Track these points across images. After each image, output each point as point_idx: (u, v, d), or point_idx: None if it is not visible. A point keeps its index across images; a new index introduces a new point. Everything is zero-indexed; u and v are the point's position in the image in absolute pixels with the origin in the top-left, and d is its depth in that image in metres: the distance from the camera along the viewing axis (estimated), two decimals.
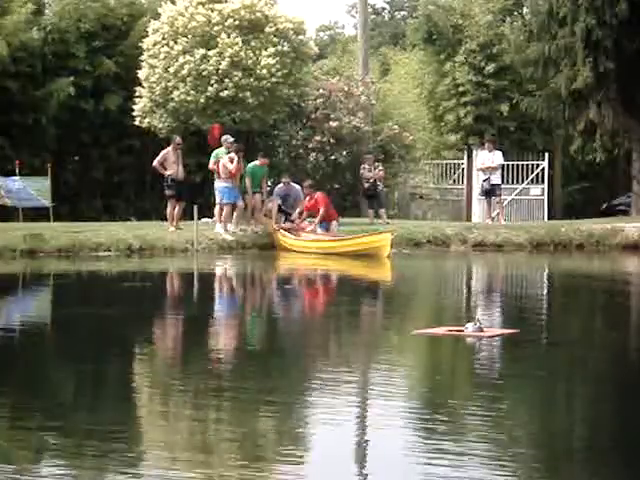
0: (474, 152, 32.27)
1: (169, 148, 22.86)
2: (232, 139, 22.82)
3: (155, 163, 22.89)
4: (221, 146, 22.87)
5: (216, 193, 22.65)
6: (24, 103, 28.96)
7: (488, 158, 26.04)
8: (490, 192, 26.13)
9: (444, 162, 34.13)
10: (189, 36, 26.70)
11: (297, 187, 23.27)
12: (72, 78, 28.95)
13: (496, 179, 26.14)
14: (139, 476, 5.74)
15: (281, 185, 23.33)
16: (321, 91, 28.82)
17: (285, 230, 22.29)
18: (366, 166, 25.87)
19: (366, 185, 25.79)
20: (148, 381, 8.70)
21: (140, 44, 28.16)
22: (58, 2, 30.80)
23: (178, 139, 23.13)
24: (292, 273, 19.48)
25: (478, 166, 26.93)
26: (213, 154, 22.79)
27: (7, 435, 6.70)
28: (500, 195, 26.88)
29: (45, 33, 29.85)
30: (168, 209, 22.95)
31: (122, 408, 7.54)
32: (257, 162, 22.94)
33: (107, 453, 6.13)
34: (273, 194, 23.13)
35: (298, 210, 22.73)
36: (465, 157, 33.20)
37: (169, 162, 22.66)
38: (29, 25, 29.45)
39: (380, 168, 26.18)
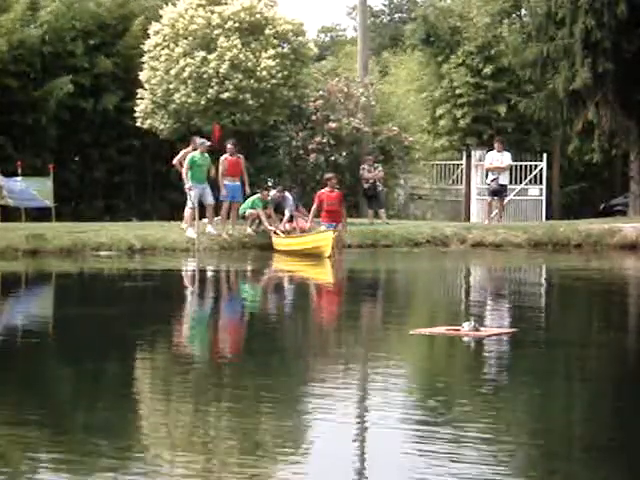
0: (472, 153, 32.44)
1: (189, 148, 22.93)
2: (208, 143, 22.75)
3: (175, 161, 23.25)
4: (223, 147, 23.04)
5: (189, 196, 22.41)
6: (24, 102, 28.98)
7: (497, 159, 26.23)
8: (497, 192, 26.36)
9: (443, 163, 34.25)
10: (189, 38, 26.84)
11: (289, 197, 23.46)
12: (71, 76, 28.98)
13: (504, 179, 26.38)
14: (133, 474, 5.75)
15: (275, 193, 23.43)
16: (321, 92, 28.95)
17: (283, 232, 22.43)
18: (366, 167, 26.04)
19: (366, 186, 25.96)
20: (144, 378, 8.77)
21: (138, 44, 28.31)
22: (51, 1, 30.86)
23: (197, 139, 23.20)
24: (287, 273, 19.50)
25: (486, 166, 27.08)
26: (187, 158, 22.43)
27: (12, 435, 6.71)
28: (506, 196, 27.20)
29: (42, 31, 29.93)
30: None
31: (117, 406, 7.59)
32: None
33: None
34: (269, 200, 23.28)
35: (288, 213, 23.02)
36: (464, 158, 33.32)
37: None
38: (26, 22, 29.54)
39: (380, 169, 26.36)
